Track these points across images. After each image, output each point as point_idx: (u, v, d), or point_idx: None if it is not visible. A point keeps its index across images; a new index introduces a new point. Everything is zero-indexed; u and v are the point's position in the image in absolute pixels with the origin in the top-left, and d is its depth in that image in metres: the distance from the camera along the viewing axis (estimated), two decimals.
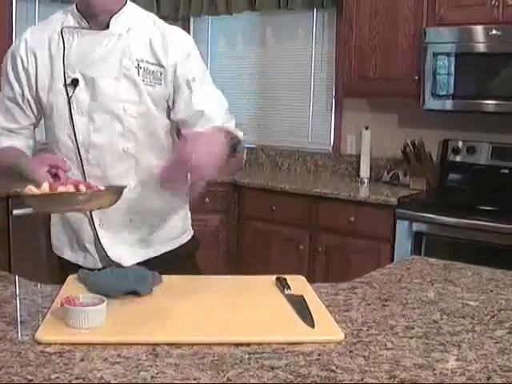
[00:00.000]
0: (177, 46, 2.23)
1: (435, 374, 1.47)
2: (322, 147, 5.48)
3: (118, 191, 1.96)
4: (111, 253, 2.28)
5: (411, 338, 1.68)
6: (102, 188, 1.93)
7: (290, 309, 1.81)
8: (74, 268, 2.15)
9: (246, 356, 1.53)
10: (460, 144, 4.72)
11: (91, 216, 2.24)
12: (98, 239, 2.27)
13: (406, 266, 2.41)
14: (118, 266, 2.23)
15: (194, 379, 1.41)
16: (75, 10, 2.18)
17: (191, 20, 6.15)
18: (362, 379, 1.43)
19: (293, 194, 4.66)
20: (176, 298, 1.90)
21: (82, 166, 2.20)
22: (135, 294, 1.87)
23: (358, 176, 5.04)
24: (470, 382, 1.45)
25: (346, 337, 1.65)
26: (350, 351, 1.58)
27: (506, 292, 2.15)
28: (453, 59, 4.37)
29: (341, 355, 1.55)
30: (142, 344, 1.57)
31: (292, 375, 1.44)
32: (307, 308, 1.80)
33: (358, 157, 5.08)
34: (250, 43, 5.90)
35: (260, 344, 1.59)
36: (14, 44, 2.25)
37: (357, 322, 1.78)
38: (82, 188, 1.86)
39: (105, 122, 2.18)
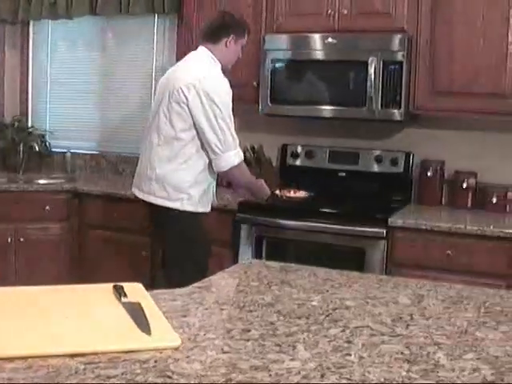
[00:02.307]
0: None
1: (271, 375, 1.49)
2: None
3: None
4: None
5: (248, 340, 1.70)
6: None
7: (127, 317, 1.79)
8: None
9: (82, 366, 1.50)
10: (299, 148, 4.83)
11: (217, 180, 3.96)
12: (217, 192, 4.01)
13: (243, 270, 2.44)
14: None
15: None
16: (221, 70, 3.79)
17: (31, 24, 5.98)
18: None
19: (135, 201, 4.60)
20: (8, 310, 1.84)
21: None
22: None
23: None
24: (305, 380, 1.48)
25: (182, 342, 1.65)
26: (187, 356, 1.58)
27: (341, 291, 2.22)
28: (291, 66, 4.48)
29: (177, 361, 1.55)
30: None
31: (128, 383, 1.42)
32: (144, 315, 1.78)
33: None
34: (91, 48, 5.80)
35: (95, 354, 1.56)
36: (226, 86, 3.69)
37: (194, 326, 1.78)
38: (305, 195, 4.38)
39: None
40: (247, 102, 4.54)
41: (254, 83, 4.54)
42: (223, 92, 3.67)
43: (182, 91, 3.63)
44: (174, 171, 3.72)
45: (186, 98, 3.62)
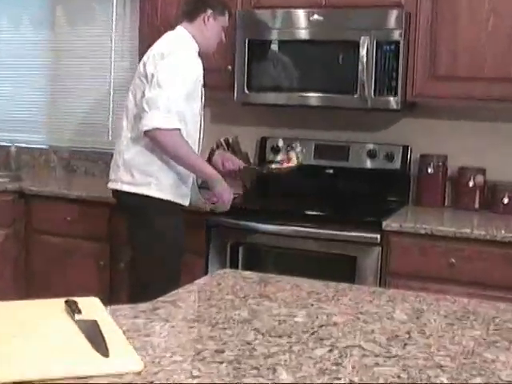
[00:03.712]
0: None
1: None
2: None
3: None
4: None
5: (221, 363, 1.69)
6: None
7: (81, 336, 1.77)
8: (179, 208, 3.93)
9: None
10: (280, 142, 4.83)
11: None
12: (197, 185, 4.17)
13: (216, 282, 2.43)
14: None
15: None
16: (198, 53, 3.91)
17: None
18: None
19: (91, 203, 4.59)
20: None
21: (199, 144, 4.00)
22: None
23: None
24: None
25: (145, 366, 1.63)
26: (151, 382, 1.56)
27: (328, 306, 2.22)
28: (270, 47, 4.48)
29: None
30: None
31: None
32: (101, 335, 1.77)
33: None
34: (39, 27, 5.78)
35: (43, 380, 1.54)
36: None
37: (159, 347, 1.77)
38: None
39: None
40: (220, 89, 4.53)
41: (229, 67, 4.53)
42: (183, 59, 3.80)
43: (144, 64, 3.79)
44: (141, 153, 3.80)
45: (145, 68, 3.78)
